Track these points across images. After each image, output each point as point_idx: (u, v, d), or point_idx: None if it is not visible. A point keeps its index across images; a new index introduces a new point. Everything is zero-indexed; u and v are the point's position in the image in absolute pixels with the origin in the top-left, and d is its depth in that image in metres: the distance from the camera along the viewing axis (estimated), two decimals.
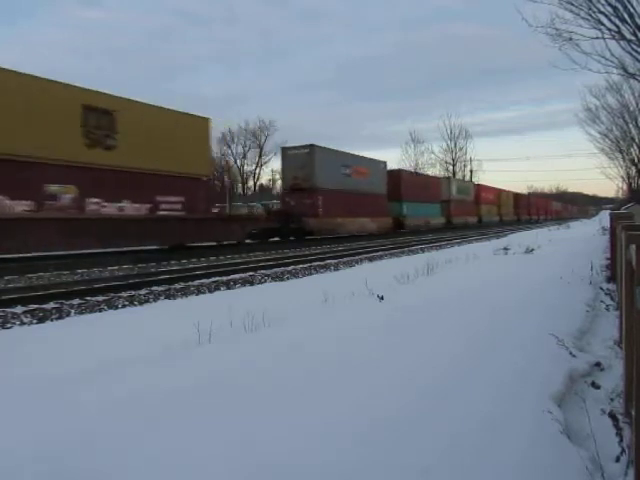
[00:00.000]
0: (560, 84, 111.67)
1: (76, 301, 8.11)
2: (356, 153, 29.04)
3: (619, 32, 11.79)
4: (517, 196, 65.52)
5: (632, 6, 11.41)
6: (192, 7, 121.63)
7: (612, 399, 3.23)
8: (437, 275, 8.81)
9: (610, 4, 11.55)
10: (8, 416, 2.51)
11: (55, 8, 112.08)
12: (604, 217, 32.57)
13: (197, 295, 9.28)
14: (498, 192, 56.57)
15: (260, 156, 68.45)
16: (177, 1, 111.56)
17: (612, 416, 2.90)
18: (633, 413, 2.14)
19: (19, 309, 7.34)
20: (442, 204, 39.41)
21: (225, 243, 18.78)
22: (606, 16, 11.71)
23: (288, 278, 11.64)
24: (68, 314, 7.39)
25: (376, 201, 29.18)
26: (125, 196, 15.12)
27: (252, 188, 69.79)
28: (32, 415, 2.53)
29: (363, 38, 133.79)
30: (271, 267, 13.11)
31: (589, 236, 18.65)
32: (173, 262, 14.39)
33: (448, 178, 45.63)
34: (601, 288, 7.36)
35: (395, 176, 32.32)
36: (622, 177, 46.63)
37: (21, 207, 12.54)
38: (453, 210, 41.42)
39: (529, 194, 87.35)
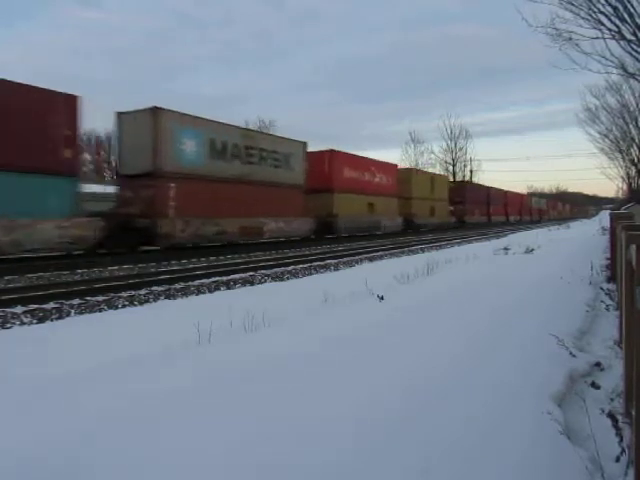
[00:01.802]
0: (560, 84, 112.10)
1: (76, 301, 8.11)
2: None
3: (619, 32, 11.80)
4: (459, 186, 42.20)
5: (632, 6, 11.42)
6: (192, 8, 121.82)
7: (612, 399, 3.23)
8: (437, 275, 8.81)
9: (610, 4, 11.56)
10: (8, 416, 2.51)
11: (55, 9, 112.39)
12: (604, 217, 32.59)
13: (197, 295, 9.27)
14: (406, 173, 32.02)
15: None
16: (177, 2, 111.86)
17: (612, 416, 2.90)
18: (633, 413, 2.14)
19: (19, 309, 7.34)
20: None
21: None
22: (606, 16, 11.72)
23: (288, 278, 11.63)
24: (68, 314, 7.39)
25: None
26: None
27: None
28: (32, 415, 2.53)
29: (363, 38, 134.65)
30: (271, 267, 13.11)
31: (589, 236, 18.66)
32: (173, 262, 14.40)
33: (156, 110, 15.14)
34: (601, 288, 7.36)
35: None
36: (622, 177, 46.76)
37: None
38: (181, 205, 15.72)
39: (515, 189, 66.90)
